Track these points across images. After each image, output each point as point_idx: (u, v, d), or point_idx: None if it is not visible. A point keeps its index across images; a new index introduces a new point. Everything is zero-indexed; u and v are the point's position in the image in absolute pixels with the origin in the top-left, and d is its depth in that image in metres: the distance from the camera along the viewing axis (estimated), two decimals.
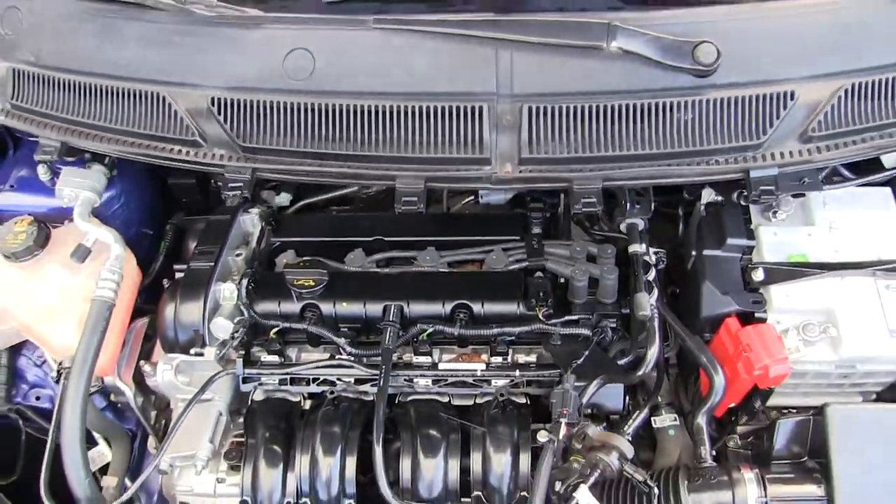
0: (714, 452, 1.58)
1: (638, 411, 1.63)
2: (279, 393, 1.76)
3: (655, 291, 1.66)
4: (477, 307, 1.69)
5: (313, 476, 1.59)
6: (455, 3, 1.64)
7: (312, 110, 1.62)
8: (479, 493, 1.59)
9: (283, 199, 2.05)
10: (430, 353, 1.71)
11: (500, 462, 1.58)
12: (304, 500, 1.60)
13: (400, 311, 1.69)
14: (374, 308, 1.71)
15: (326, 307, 1.72)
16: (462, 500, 1.60)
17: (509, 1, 1.67)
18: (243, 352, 1.72)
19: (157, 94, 1.68)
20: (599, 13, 1.56)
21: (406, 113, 1.59)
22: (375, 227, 1.90)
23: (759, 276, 1.64)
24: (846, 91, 1.55)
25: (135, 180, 1.99)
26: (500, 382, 1.67)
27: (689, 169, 1.58)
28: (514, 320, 1.67)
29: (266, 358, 1.74)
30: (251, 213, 1.92)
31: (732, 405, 1.69)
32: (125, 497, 1.62)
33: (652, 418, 1.72)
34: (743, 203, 1.73)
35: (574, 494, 1.45)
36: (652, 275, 1.69)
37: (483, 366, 1.68)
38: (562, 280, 1.75)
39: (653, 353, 1.59)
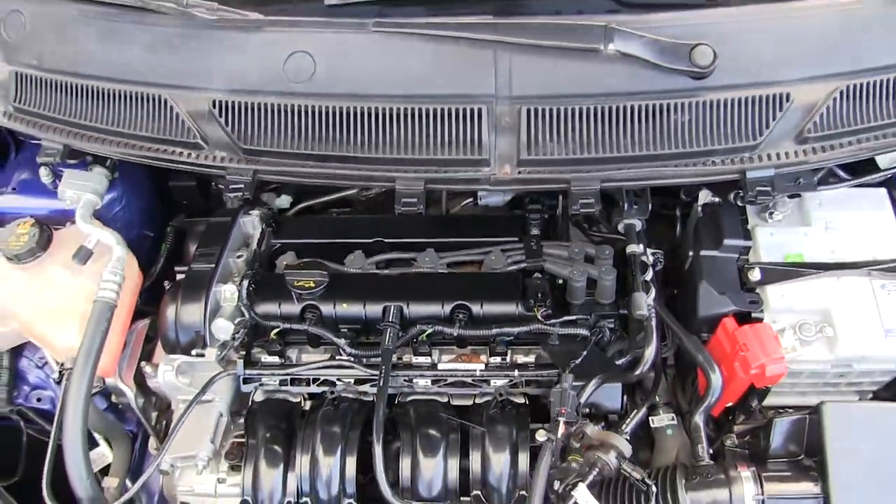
0: (711, 451, 1.59)
1: (636, 410, 1.64)
2: (279, 393, 1.76)
3: (653, 291, 1.67)
4: (476, 308, 1.70)
5: (314, 476, 1.60)
6: (454, 7, 1.64)
7: (313, 112, 1.62)
8: (479, 493, 1.60)
9: (284, 201, 2.06)
10: (429, 354, 1.71)
11: (499, 461, 1.59)
12: (304, 499, 1.61)
13: (399, 312, 1.70)
14: (374, 309, 1.72)
15: (326, 308, 1.72)
16: (461, 499, 1.61)
17: (508, 4, 1.68)
18: (244, 353, 1.73)
19: (158, 97, 1.69)
20: (597, 16, 1.57)
21: (406, 115, 1.60)
22: (375, 229, 1.91)
23: (755, 276, 1.65)
24: (841, 93, 1.56)
25: (136, 183, 2.00)
26: (499, 382, 1.68)
27: (686, 170, 1.59)
28: (513, 321, 1.68)
29: (266, 359, 1.74)
30: (252, 215, 1.93)
31: (730, 404, 1.70)
32: (127, 496, 1.62)
33: (650, 418, 1.72)
34: (740, 204, 1.74)
35: (572, 493, 1.45)
36: (649, 275, 1.70)
37: (482, 366, 1.69)
38: (560, 281, 1.76)
39: (650, 352, 1.60)
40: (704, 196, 1.78)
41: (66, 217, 1.87)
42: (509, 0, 1.69)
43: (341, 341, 1.69)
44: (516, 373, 1.67)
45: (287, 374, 1.72)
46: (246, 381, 1.72)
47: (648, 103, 1.55)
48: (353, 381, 1.71)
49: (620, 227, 1.81)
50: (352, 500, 1.60)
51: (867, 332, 1.58)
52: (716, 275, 1.69)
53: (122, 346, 1.82)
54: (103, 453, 1.87)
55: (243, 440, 1.68)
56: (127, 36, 1.73)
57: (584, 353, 1.63)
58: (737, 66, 1.55)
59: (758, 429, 1.64)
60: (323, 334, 1.71)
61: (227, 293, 1.76)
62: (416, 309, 1.71)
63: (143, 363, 1.81)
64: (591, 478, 1.47)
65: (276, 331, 1.73)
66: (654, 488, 1.48)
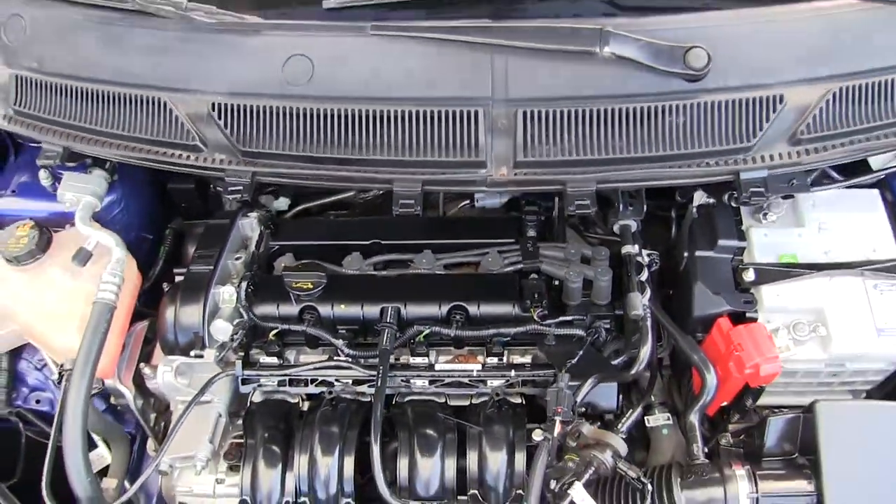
0: (706, 450, 1.60)
1: (631, 410, 1.66)
2: (278, 394, 1.78)
3: (648, 291, 1.68)
4: (473, 309, 1.71)
5: (312, 475, 1.61)
6: (451, 10, 1.65)
7: (311, 115, 1.63)
8: (476, 492, 1.61)
9: (282, 203, 2.08)
10: (426, 354, 1.72)
11: (496, 461, 1.60)
12: (302, 499, 1.62)
13: (397, 313, 1.71)
14: (372, 310, 1.73)
15: (324, 309, 1.73)
16: (458, 498, 1.62)
17: (504, 8, 1.68)
18: (242, 354, 1.74)
19: (158, 100, 1.70)
20: (592, 19, 1.58)
21: (403, 117, 1.61)
22: (372, 231, 1.92)
23: (750, 276, 1.67)
24: (834, 95, 1.57)
25: (135, 185, 2.00)
26: (496, 383, 1.69)
27: (680, 171, 1.59)
28: (510, 321, 1.69)
29: (265, 359, 1.75)
30: (250, 217, 1.94)
31: (725, 404, 1.72)
32: (126, 496, 1.63)
33: (645, 418, 1.74)
34: (734, 205, 1.76)
35: (569, 492, 1.47)
36: (645, 275, 1.71)
37: (479, 366, 1.70)
38: (556, 282, 1.76)
39: (645, 352, 1.61)
40: (699, 197, 1.80)
41: (65, 219, 1.87)
42: (506, 4, 1.69)
43: (339, 342, 1.70)
44: (513, 373, 1.68)
45: (285, 375, 1.73)
46: (244, 381, 1.73)
47: (643, 105, 1.56)
48: (350, 381, 1.72)
49: (616, 228, 1.82)
50: (350, 500, 1.61)
51: (860, 331, 1.59)
52: (711, 275, 1.70)
53: (121, 347, 1.83)
54: (102, 455, 1.87)
55: (242, 441, 1.70)
56: (126, 39, 1.74)
57: (581, 353, 1.64)
58: (731, 68, 1.56)
59: (752, 428, 1.66)
60: (321, 335, 1.72)
61: (226, 295, 1.77)
62: (413, 310, 1.72)
63: (141, 364, 1.82)
64: (587, 476, 1.49)
65: (274, 332, 1.74)
66: (649, 487, 1.50)
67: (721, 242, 1.72)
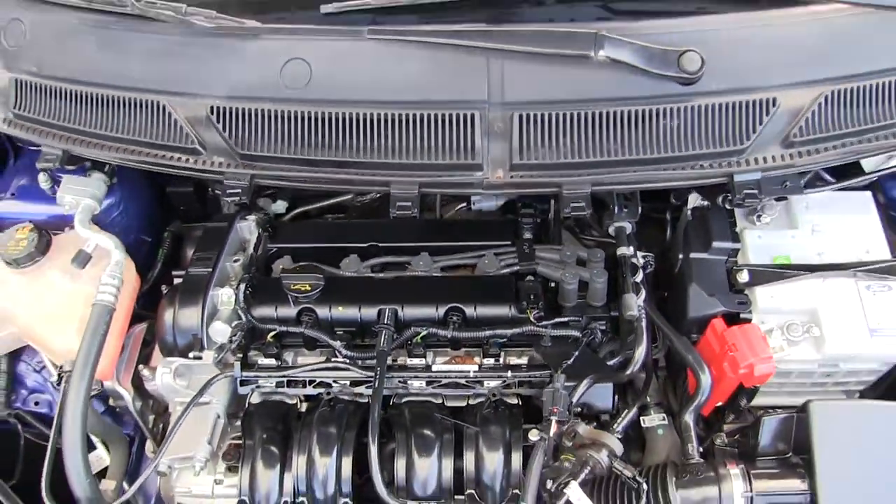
0: (701, 450, 1.61)
1: (627, 410, 1.66)
2: (276, 395, 1.79)
3: (643, 293, 1.69)
4: (469, 310, 1.72)
5: (310, 476, 1.62)
6: (448, 15, 1.66)
7: (309, 118, 1.64)
8: (473, 491, 1.63)
9: (280, 206, 2.08)
10: (423, 356, 1.74)
11: (493, 461, 1.61)
12: (301, 499, 1.63)
13: (394, 315, 1.72)
14: (369, 311, 1.74)
15: (322, 311, 1.75)
16: (456, 497, 1.63)
17: (501, 12, 1.70)
18: (241, 355, 1.75)
19: (157, 104, 1.71)
20: (588, 24, 1.59)
21: (400, 121, 1.62)
22: (370, 234, 1.93)
23: (744, 277, 1.68)
24: (826, 98, 1.58)
25: (134, 188, 2.01)
26: (493, 383, 1.70)
27: (675, 173, 1.61)
28: (506, 323, 1.70)
29: (263, 361, 1.76)
30: (248, 220, 1.95)
31: (719, 404, 1.73)
32: (125, 497, 1.64)
33: (641, 418, 1.75)
34: (728, 207, 1.77)
35: (565, 491, 1.47)
36: (639, 277, 1.72)
37: (476, 367, 1.71)
38: (552, 284, 1.78)
39: (640, 352, 1.62)
40: (694, 200, 1.81)
41: (64, 222, 1.88)
42: (502, 8, 1.70)
43: (337, 344, 1.71)
44: (509, 374, 1.69)
45: (283, 376, 1.74)
46: (243, 383, 1.74)
47: (638, 108, 1.57)
48: (348, 382, 1.73)
49: (611, 231, 1.84)
50: (348, 500, 1.63)
51: (853, 331, 1.61)
52: (705, 277, 1.71)
53: (119, 349, 1.83)
54: (100, 456, 1.88)
55: (240, 441, 1.71)
56: (126, 44, 1.75)
57: (576, 354, 1.65)
58: (724, 71, 1.57)
59: (747, 428, 1.67)
60: (319, 337, 1.73)
61: (224, 297, 1.78)
62: (410, 311, 1.73)
63: (140, 366, 1.83)
64: (582, 476, 1.49)
65: (272, 333, 1.75)
66: (644, 486, 1.50)
67: (715, 244, 1.73)
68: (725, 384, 1.63)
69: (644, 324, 1.65)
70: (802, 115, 1.58)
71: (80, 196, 1.84)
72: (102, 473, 1.86)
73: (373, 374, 1.65)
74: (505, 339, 1.72)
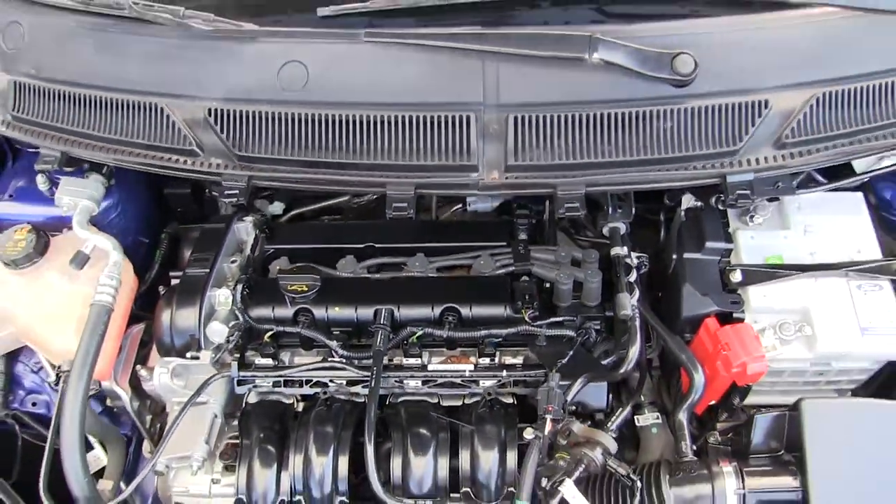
0: (695, 448, 1.62)
1: (621, 409, 1.68)
2: (273, 395, 1.79)
3: (637, 292, 1.70)
4: (465, 310, 1.73)
5: (307, 475, 1.63)
6: (444, 17, 1.67)
7: (306, 120, 1.65)
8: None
9: (277, 207, 2.09)
10: (419, 356, 1.74)
11: (488, 459, 1.62)
12: (297, 498, 1.63)
13: (391, 315, 1.73)
14: (366, 312, 1.75)
15: (319, 311, 1.75)
16: (451, 496, 1.64)
17: (496, 15, 1.71)
18: (238, 355, 1.75)
19: (155, 106, 1.72)
20: (582, 26, 1.60)
21: (396, 122, 1.63)
22: (366, 235, 1.94)
23: (737, 277, 1.69)
24: (818, 100, 1.60)
25: (131, 190, 2.02)
26: (488, 383, 1.71)
27: (668, 174, 1.62)
28: (502, 322, 1.71)
29: (260, 361, 1.76)
30: (245, 221, 1.96)
31: (712, 403, 1.74)
32: (123, 496, 1.65)
33: (635, 417, 1.75)
34: (721, 208, 1.78)
35: (559, 489, 1.49)
36: (633, 276, 1.73)
37: (471, 367, 1.72)
38: (547, 284, 1.79)
39: (634, 351, 1.63)
40: (687, 201, 1.83)
41: (62, 223, 1.89)
42: (497, 11, 1.72)
43: (333, 343, 1.72)
44: (504, 373, 1.70)
45: (280, 376, 1.74)
46: (240, 382, 1.75)
47: (632, 110, 1.59)
48: (345, 382, 1.74)
49: (605, 231, 1.85)
50: (344, 499, 1.63)
51: (845, 330, 1.62)
52: (698, 277, 1.73)
53: (117, 349, 1.84)
54: (98, 457, 1.88)
55: (237, 441, 1.71)
56: (124, 46, 1.75)
57: (571, 353, 1.66)
58: (717, 74, 1.58)
59: (739, 426, 1.68)
60: (315, 337, 1.73)
61: (222, 297, 1.79)
62: (406, 312, 1.74)
63: (138, 367, 1.83)
64: (577, 474, 1.51)
65: (269, 334, 1.76)
66: (638, 484, 1.52)
67: (709, 244, 1.75)
68: (718, 383, 1.65)
69: (638, 323, 1.66)
70: (794, 116, 1.60)
71: (78, 197, 1.85)
72: (100, 473, 1.86)
73: (369, 373, 1.65)
74: (500, 339, 1.73)
